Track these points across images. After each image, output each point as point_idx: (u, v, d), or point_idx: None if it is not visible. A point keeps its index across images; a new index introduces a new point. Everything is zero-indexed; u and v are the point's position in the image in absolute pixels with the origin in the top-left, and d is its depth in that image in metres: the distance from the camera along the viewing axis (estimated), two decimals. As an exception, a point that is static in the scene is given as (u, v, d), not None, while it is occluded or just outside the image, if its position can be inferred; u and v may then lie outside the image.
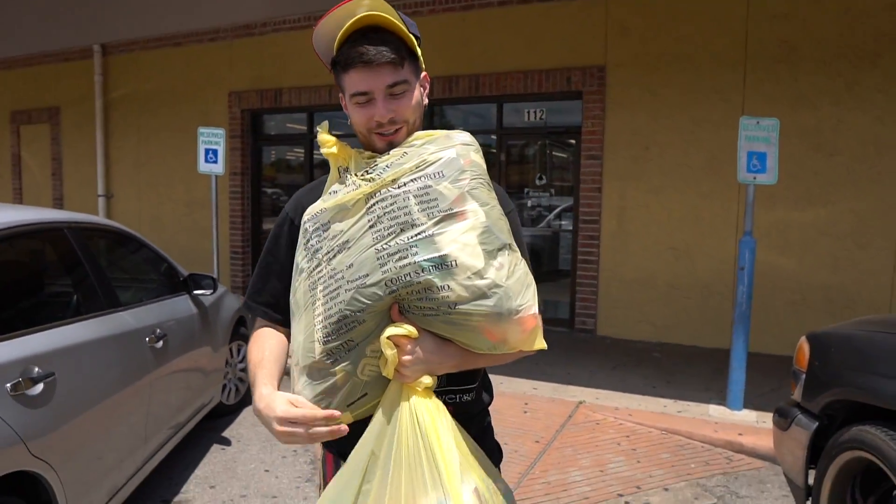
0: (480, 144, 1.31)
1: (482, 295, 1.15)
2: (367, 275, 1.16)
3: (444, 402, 1.24)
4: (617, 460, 3.90)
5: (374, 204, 1.20)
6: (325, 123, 1.33)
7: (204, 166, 6.37)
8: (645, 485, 3.61)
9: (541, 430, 4.29)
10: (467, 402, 1.38)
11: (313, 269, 1.22)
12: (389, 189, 1.20)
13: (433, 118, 7.74)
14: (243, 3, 6.20)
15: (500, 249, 1.20)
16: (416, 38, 1.30)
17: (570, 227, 7.08)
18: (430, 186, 1.19)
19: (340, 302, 1.16)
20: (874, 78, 5.70)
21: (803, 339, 2.87)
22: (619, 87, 6.53)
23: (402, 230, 1.17)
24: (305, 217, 1.27)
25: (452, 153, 1.23)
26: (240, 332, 4.63)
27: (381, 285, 1.15)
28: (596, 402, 4.80)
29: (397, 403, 1.18)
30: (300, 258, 1.26)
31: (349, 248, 1.19)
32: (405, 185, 1.20)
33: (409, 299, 1.16)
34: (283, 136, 8.99)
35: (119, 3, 6.84)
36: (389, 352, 1.15)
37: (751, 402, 4.66)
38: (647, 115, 6.44)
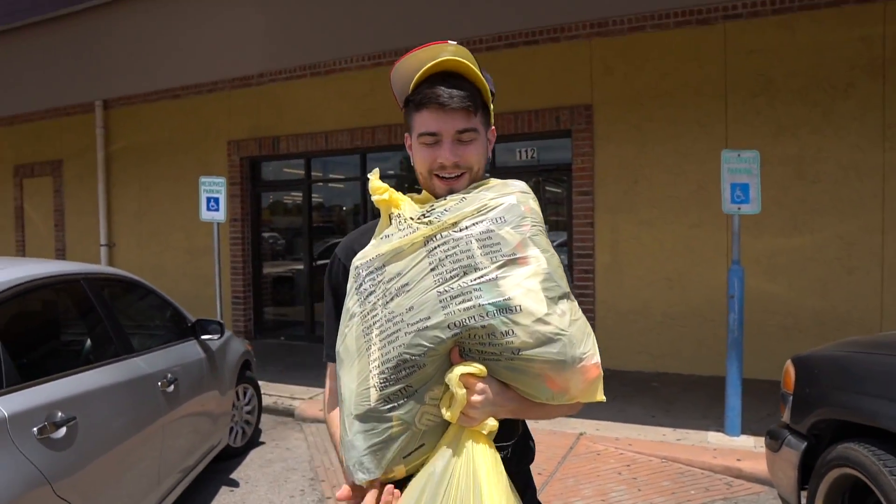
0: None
1: (546, 341, 1.13)
2: (429, 317, 1.13)
3: None
4: (619, 489, 3.98)
5: (435, 247, 1.18)
6: (377, 171, 1.32)
7: (206, 214, 6.54)
8: (646, 511, 3.69)
9: (543, 462, 4.37)
10: (503, 459, 1.31)
11: (367, 313, 1.18)
12: (451, 232, 1.19)
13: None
14: (238, 58, 6.43)
15: (560, 297, 1.18)
16: (492, 93, 1.33)
17: (566, 262, 7.22)
18: (492, 231, 1.18)
19: (400, 345, 1.13)
20: (848, 107, 5.92)
21: (789, 362, 3.00)
22: (606, 124, 6.76)
23: (464, 273, 1.15)
24: (357, 262, 1.24)
25: (513, 199, 1.23)
26: (245, 376, 4.73)
27: (444, 327, 1.13)
28: (596, 433, 4.88)
29: (456, 448, 1.14)
30: (351, 303, 1.22)
31: (409, 290, 1.16)
32: (467, 228, 1.19)
33: (471, 343, 1.14)
34: (281, 182, 9.19)
35: (118, 60, 7.10)
36: (460, 391, 1.11)
37: (748, 428, 4.74)
38: (634, 149, 6.65)
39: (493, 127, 1.37)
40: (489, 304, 1.12)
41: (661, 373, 6.59)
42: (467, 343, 1.14)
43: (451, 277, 1.15)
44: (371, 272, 1.20)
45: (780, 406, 3.07)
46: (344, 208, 9.15)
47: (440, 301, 1.14)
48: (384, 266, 1.19)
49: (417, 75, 1.28)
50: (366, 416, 1.14)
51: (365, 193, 8.46)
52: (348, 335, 1.21)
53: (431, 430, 1.16)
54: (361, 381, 1.16)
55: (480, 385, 1.13)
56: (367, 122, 7.96)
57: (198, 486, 4.04)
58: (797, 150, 6.12)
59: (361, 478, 1.16)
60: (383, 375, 1.13)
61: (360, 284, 1.21)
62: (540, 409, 1.24)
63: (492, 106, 1.34)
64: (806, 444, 2.74)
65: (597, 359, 1.20)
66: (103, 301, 2.97)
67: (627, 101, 6.68)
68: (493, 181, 1.28)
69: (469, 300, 1.13)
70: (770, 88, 6.20)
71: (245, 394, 4.72)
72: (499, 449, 1.24)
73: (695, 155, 6.44)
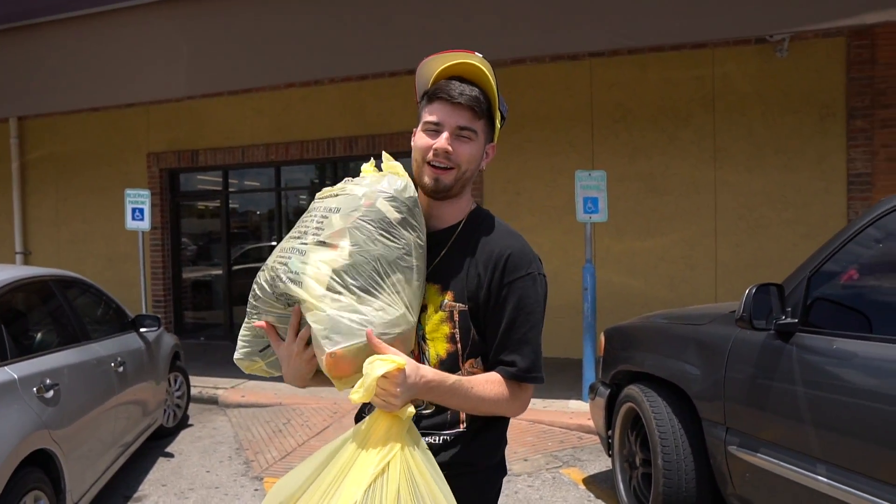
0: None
1: (316, 319, 1.27)
2: (267, 259, 1.38)
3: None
4: (491, 444, 4.95)
5: (311, 206, 1.42)
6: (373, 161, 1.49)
7: (131, 223, 7.11)
8: (510, 458, 4.65)
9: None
10: (434, 445, 1.38)
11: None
12: (320, 200, 1.40)
13: (337, 172, 8.81)
14: (161, 81, 6.99)
15: (349, 288, 1.28)
16: (503, 116, 1.45)
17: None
18: (330, 210, 1.35)
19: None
20: (688, 133, 7.19)
21: (602, 333, 4.04)
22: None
23: (298, 236, 1.36)
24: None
25: (360, 192, 1.35)
26: (176, 365, 5.42)
27: (266, 270, 1.37)
28: (480, 405, 5.85)
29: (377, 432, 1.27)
30: None
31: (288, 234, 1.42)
32: (323, 200, 1.39)
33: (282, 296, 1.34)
34: (199, 192, 9.76)
35: (34, 79, 7.46)
36: (371, 383, 1.20)
37: (601, 395, 5.83)
38: (517, 165, 7.71)
39: (494, 144, 1.49)
40: (289, 270, 1.32)
41: (543, 357, 7.65)
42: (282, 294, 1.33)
43: (292, 236, 1.38)
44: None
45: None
46: (259, 213, 9.82)
47: (278, 248, 1.38)
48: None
49: (438, 71, 1.42)
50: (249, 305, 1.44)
51: (280, 201, 9.20)
52: None
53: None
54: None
55: (401, 377, 1.21)
56: (281, 138, 8.70)
57: (138, 458, 4.71)
58: (649, 168, 7.34)
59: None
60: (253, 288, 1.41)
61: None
62: (460, 400, 1.33)
63: (498, 125, 1.47)
64: (609, 391, 3.77)
65: (335, 350, 1.25)
66: (66, 297, 3.67)
67: (511, 124, 7.72)
68: (381, 175, 1.40)
69: (283, 259, 1.35)
70: (628, 116, 7.39)
71: (176, 380, 5.41)
72: (432, 434, 1.39)
73: (567, 171, 7.51)
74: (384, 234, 1.31)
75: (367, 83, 8.25)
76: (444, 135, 1.38)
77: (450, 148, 1.38)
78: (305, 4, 6.31)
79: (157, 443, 5.10)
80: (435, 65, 1.42)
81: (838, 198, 6.73)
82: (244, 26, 6.50)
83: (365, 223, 1.31)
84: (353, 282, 1.28)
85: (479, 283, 1.41)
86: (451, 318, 1.40)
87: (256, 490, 4.17)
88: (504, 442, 1.52)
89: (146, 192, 7.16)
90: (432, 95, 1.41)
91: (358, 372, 1.25)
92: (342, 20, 6.17)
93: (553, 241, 7.63)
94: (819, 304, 2.53)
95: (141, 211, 7.14)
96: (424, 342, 1.42)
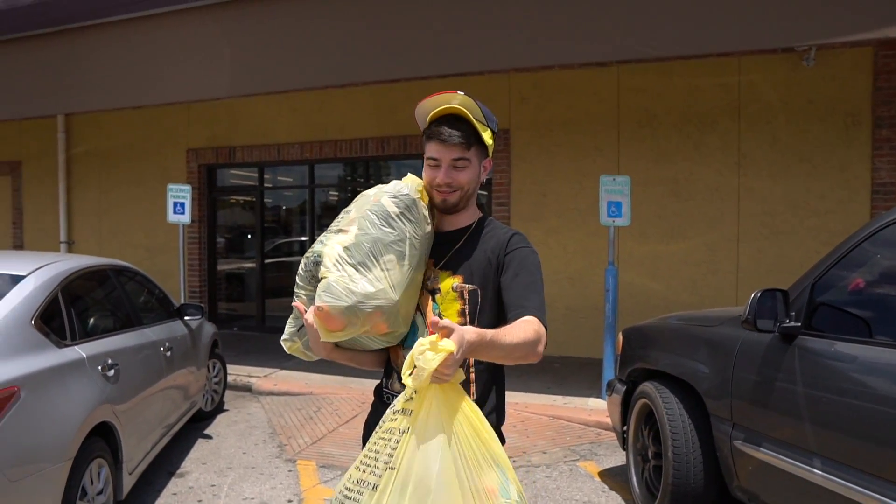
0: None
1: (323, 287, 1.58)
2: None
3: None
4: (511, 436, 5.16)
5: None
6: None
7: (173, 217, 7.46)
8: (529, 450, 4.89)
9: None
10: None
11: None
12: (357, 198, 1.75)
13: (369, 171, 9.07)
14: (203, 82, 7.32)
15: (351, 264, 1.59)
16: (493, 131, 1.74)
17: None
18: (350, 209, 1.71)
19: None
20: (714, 139, 7.31)
21: (621, 332, 4.24)
22: (520, 146, 7.99)
23: (335, 223, 1.71)
24: None
25: (372, 192, 1.70)
26: (214, 352, 5.73)
27: (309, 252, 1.69)
28: (502, 399, 6.07)
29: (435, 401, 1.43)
30: None
31: None
32: (355, 199, 1.74)
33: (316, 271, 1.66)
34: (235, 188, 10.11)
35: (82, 78, 7.84)
36: (428, 371, 1.33)
37: (620, 394, 6.02)
38: (543, 168, 7.91)
39: (490, 158, 1.79)
40: (317, 251, 1.66)
41: (564, 356, 7.85)
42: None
43: (328, 230, 1.71)
44: None
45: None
46: (291, 209, 10.15)
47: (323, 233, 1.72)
48: None
49: (429, 116, 1.73)
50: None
51: (312, 197, 9.52)
52: None
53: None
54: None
55: (453, 358, 1.33)
56: (315, 137, 8.99)
57: (180, 439, 5.02)
58: (674, 173, 7.48)
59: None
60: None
61: None
62: (498, 350, 1.48)
63: (491, 142, 1.75)
64: (625, 388, 3.97)
65: (321, 304, 1.55)
66: (122, 285, 3.98)
67: (539, 128, 7.94)
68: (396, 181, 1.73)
69: (313, 248, 1.68)
70: (653, 122, 7.54)
71: (214, 367, 5.72)
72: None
73: (593, 175, 7.67)
74: (384, 222, 1.62)
75: (398, 85, 8.46)
76: (444, 169, 1.68)
77: (449, 180, 1.68)
78: (344, 9, 6.57)
79: (196, 425, 5.41)
80: (426, 108, 1.73)
81: (862, 206, 6.81)
82: (285, 29, 6.78)
83: (371, 213, 1.64)
84: (353, 258, 1.59)
85: (487, 262, 1.70)
86: (461, 296, 1.70)
87: (290, 471, 4.44)
88: (503, 416, 1.89)
89: (187, 187, 7.50)
90: (429, 137, 1.71)
91: (345, 330, 1.57)
92: (382, 23, 6.41)
93: (577, 243, 7.81)
94: (821, 309, 2.70)
95: (182, 205, 7.48)
96: (440, 316, 1.67)
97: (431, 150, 1.70)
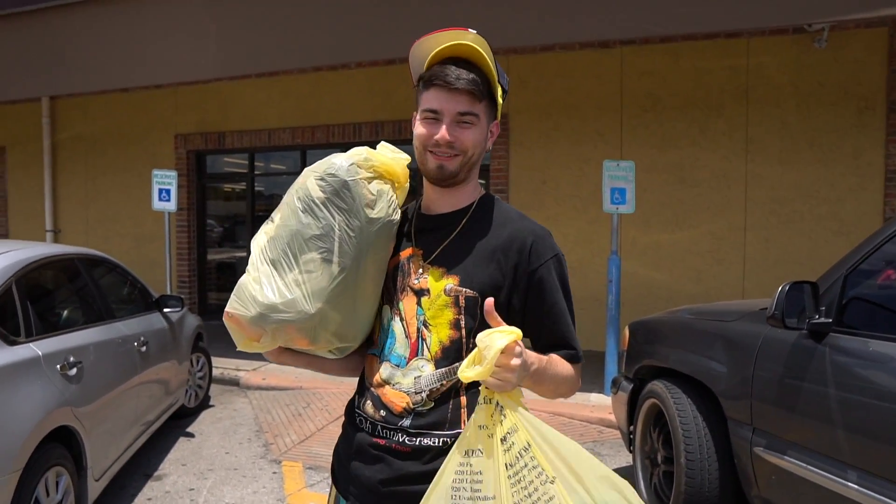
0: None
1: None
2: None
3: (399, 443, 1.29)
4: (510, 434, 4.91)
5: None
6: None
7: (158, 204, 7.16)
8: (529, 449, 4.63)
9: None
10: (432, 448, 1.30)
11: None
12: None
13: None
14: (190, 63, 7.03)
15: (271, 260, 1.33)
16: (504, 90, 1.36)
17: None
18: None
19: None
20: (720, 124, 7.03)
21: (626, 327, 3.97)
22: (519, 132, 7.70)
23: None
24: None
25: (305, 170, 1.39)
26: (198, 346, 5.45)
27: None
28: (500, 395, 5.82)
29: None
30: None
31: None
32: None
33: None
34: (225, 175, 9.81)
35: (67, 59, 7.55)
36: (492, 358, 1.10)
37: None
38: (543, 154, 7.62)
39: (497, 121, 1.41)
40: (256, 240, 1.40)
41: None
42: None
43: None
44: None
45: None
46: (280, 197, 9.81)
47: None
48: None
49: (431, 55, 1.32)
50: None
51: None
52: None
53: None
54: None
55: (518, 348, 1.12)
56: (307, 122, 8.68)
57: (160, 437, 4.76)
58: (679, 159, 7.19)
59: None
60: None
61: None
62: (549, 380, 1.30)
63: (500, 101, 1.38)
64: (632, 386, 3.70)
65: (232, 309, 1.32)
66: (91, 276, 3.69)
67: (538, 112, 7.64)
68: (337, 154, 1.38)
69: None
70: (657, 106, 7.25)
71: (198, 361, 5.45)
72: (420, 436, 1.30)
73: (595, 160, 7.42)
74: (306, 210, 1.32)
75: (393, 68, 8.19)
76: (446, 124, 1.31)
77: (451, 138, 1.31)
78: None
79: (178, 422, 5.15)
80: (428, 46, 1.33)
81: (874, 195, 6.54)
82: (273, 8, 6.47)
83: (294, 199, 1.34)
84: (269, 254, 1.32)
85: (496, 265, 1.33)
86: (455, 303, 1.32)
87: (275, 473, 4.18)
88: None
89: (173, 173, 7.20)
90: (429, 81, 1.33)
91: (256, 340, 1.31)
92: (373, 2, 6.11)
93: (578, 231, 7.54)
94: (855, 304, 2.44)
95: (168, 192, 7.18)
96: (426, 328, 1.33)
97: (430, 99, 1.32)
